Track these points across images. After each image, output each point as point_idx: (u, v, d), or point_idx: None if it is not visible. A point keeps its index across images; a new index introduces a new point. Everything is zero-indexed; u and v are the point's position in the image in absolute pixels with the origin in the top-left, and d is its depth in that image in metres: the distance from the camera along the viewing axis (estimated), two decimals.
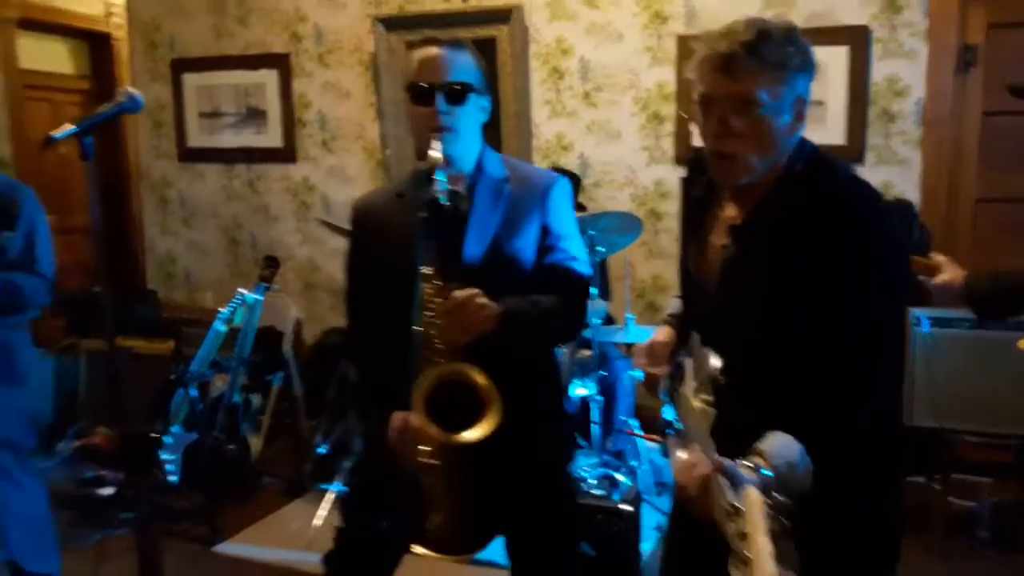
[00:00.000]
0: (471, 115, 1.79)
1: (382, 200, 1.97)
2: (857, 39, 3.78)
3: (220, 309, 3.85)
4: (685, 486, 1.36)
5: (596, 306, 3.33)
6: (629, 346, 3.63)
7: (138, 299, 5.14)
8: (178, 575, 2.90)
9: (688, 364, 1.66)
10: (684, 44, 4.04)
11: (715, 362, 1.47)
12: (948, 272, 1.93)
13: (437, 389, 1.65)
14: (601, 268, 3.72)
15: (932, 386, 3.09)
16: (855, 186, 1.49)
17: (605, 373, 3.50)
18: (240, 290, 3.88)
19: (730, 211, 1.56)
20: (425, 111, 1.75)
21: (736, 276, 1.52)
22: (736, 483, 1.16)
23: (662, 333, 1.78)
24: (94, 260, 5.33)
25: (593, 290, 3.40)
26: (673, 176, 4.15)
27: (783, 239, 1.44)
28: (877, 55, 3.79)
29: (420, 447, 1.67)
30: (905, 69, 3.76)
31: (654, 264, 4.23)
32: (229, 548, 3.38)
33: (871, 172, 3.74)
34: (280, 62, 4.97)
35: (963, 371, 3.09)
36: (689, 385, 1.60)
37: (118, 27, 6.00)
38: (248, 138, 5.14)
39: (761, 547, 1.03)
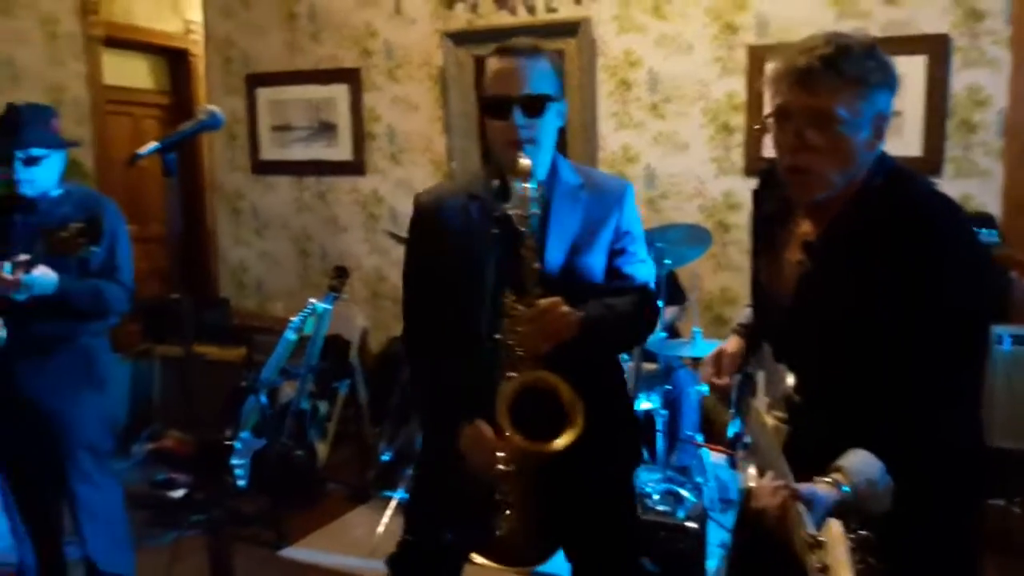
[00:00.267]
0: (550, 124, 1.77)
1: (450, 197, 1.89)
2: (936, 48, 3.67)
3: (290, 318, 3.94)
4: (765, 512, 1.32)
5: (666, 316, 3.29)
6: (695, 360, 3.58)
7: (211, 307, 5.28)
8: None
9: (760, 377, 1.63)
10: (755, 54, 3.98)
11: (789, 380, 1.44)
12: None
13: (519, 396, 1.64)
14: (669, 280, 3.67)
15: (1013, 405, 2.96)
16: (935, 200, 1.45)
17: (670, 387, 3.45)
18: (310, 300, 3.95)
19: (805, 227, 1.53)
20: (502, 124, 1.72)
21: (811, 292, 1.49)
22: (815, 510, 1.13)
23: (731, 343, 1.75)
24: (171, 269, 5.52)
25: (659, 302, 3.37)
26: (743, 187, 4.08)
27: (860, 255, 1.41)
28: (957, 64, 3.67)
29: (497, 454, 1.66)
30: (987, 78, 3.64)
31: (722, 277, 4.16)
32: (295, 553, 3.43)
33: (949, 184, 3.61)
34: (351, 77, 5.06)
35: None
36: (761, 400, 1.57)
37: (195, 44, 6.22)
38: (318, 151, 5.25)
39: None
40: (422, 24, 4.82)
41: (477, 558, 1.79)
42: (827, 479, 1.14)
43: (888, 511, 1.15)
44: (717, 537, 3.17)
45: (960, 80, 3.68)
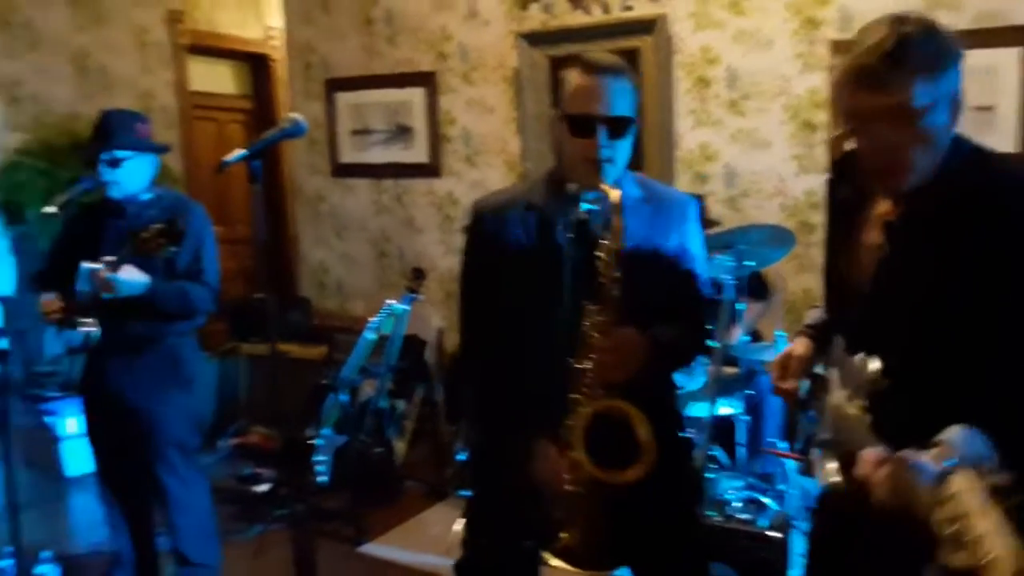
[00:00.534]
0: (628, 145, 1.75)
1: (508, 206, 1.86)
2: None
3: (369, 319, 4.01)
4: (872, 481, 1.30)
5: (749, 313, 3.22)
6: None
7: (293, 307, 5.41)
8: (327, 573, 3.02)
9: (832, 374, 1.60)
10: (838, 49, 3.87)
11: (874, 365, 1.42)
12: None
13: (594, 422, 1.65)
14: (753, 280, 3.58)
15: None
16: (1020, 174, 1.43)
17: (752, 392, 3.38)
18: (388, 301, 4.01)
19: (883, 208, 1.51)
20: (584, 142, 1.70)
21: (892, 274, 1.46)
22: (924, 479, 1.14)
23: (799, 345, 1.71)
24: (256, 270, 5.67)
25: (740, 305, 3.30)
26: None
27: (943, 233, 1.39)
28: None
29: (566, 476, 1.67)
30: None
31: (804, 278, 4.05)
32: (374, 549, 3.48)
33: None
34: (426, 80, 5.12)
35: None
36: (838, 394, 1.54)
37: (275, 49, 6.39)
38: (396, 154, 5.32)
39: (990, 523, 1.00)
40: (496, 26, 4.84)
41: (552, 560, 1.79)
42: (930, 452, 1.13)
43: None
44: (800, 546, 3.09)
45: None
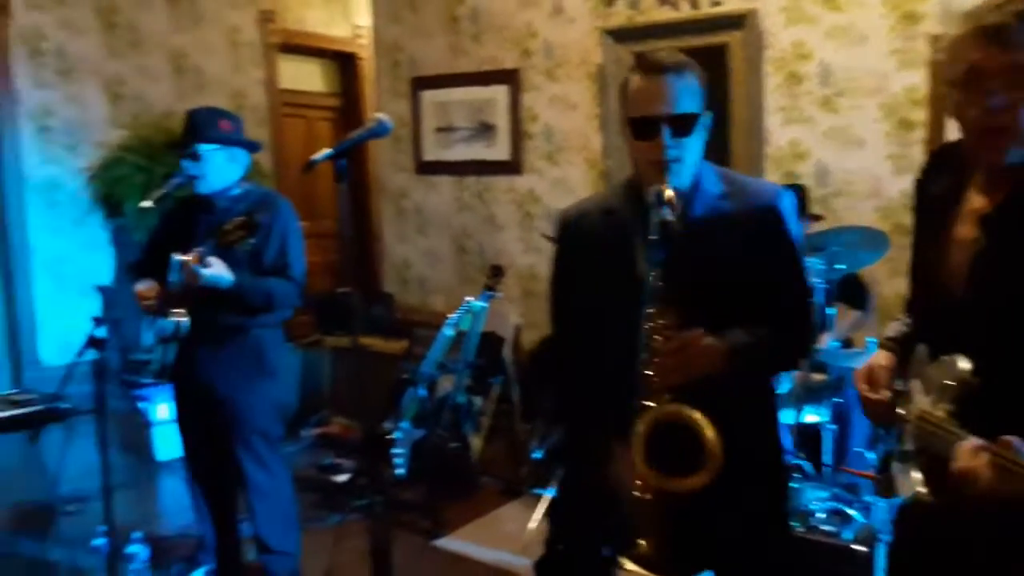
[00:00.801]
0: (697, 141, 1.69)
1: (590, 213, 1.85)
2: None
3: (449, 315, 4.04)
4: (972, 471, 1.25)
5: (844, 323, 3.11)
6: None
7: (376, 301, 5.50)
8: (403, 565, 3.05)
9: (914, 385, 1.52)
10: (938, 45, 3.69)
11: (964, 364, 1.37)
12: None
13: (657, 427, 1.60)
14: (849, 281, 3.45)
15: None
16: None
17: (840, 400, 3.26)
18: (467, 298, 4.04)
19: (977, 203, 1.46)
20: (648, 144, 1.65)
21: (989, 268, 1.42)
22: None
23: (881, 357, 1.65)
24: (341, 265, 5.78)
25: (831, 310, 3.19)
26: None
27: None
28: None
29: (635, 481, 1.63)
30: None
31: (898, 283, 3.87)
32: (449, 543, 3.50)
33: None
34: (510, 77, 5.12)
35: None
36: (922, 402, 1.47)
37: (363, 47, 6.51)
38: (478, 151, 5.35)
39: None
40: (582, 22, 4.80)
41: (628, 564, 1.76)
42: None
43: None
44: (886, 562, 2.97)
45: None
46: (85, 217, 5.20)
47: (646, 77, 1.66)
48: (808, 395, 3.24)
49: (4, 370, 5.04)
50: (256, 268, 2.72)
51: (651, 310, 1.60)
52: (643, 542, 1.66)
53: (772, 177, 4.21)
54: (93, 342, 2.36)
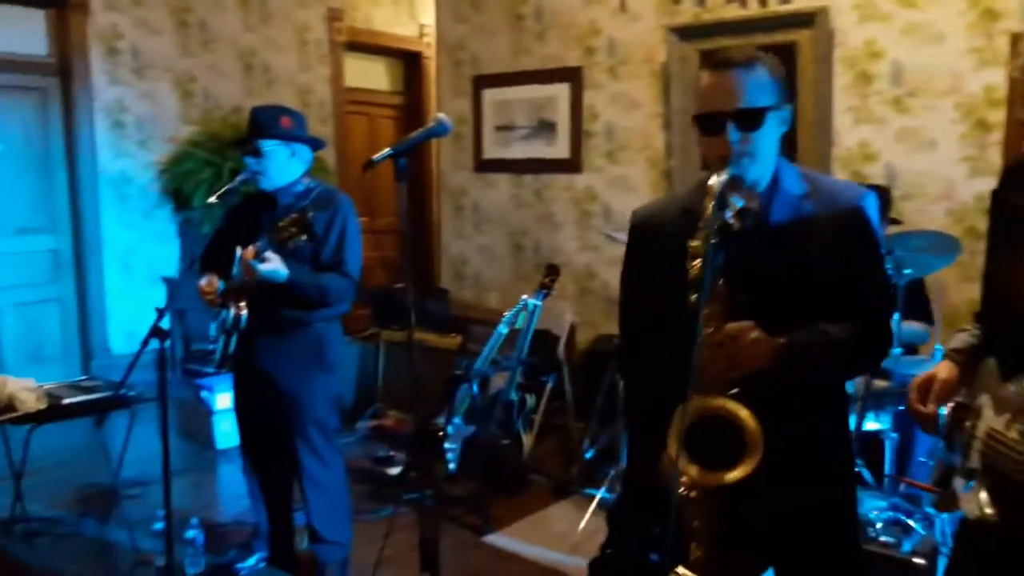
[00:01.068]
0: (769, 135, 1.65)
1: (665, 212, 1.84)
2: None
3: (503, 312, 4.04)
4: None
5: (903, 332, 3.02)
6: None
7: (432, 296, 5.54)
8: (451, 559, 3.06)
9: (984, 400, 1.46)
10: (1019, 43, 3.54)
11: None
12: None
13: (700, 423, 1.57)
14: (913, 289, 3.34)
15: None
16: None
17: (904, 408, 3.15)
18: (522, 296, 4.04)
19: None
20: (714, 140, 1.63)
21: None
22: None
23: (943, 369, 1.60)
24: (399, 262, 5.84)
25: (896, 314, 3.09)
26: None
27: None
28: None
29: (681, 480, 1.60)
30: None
31: (969, 288, 3.74)
32: (498, 540, 3.50)
33: None
34: (573, 75, 5.10)
35: None
36: (993, 420, 1.41)
37: (428, 46, 6.56)
38: (537, 149, 5.34)
39: None
40: (647, 20, 4.75)
41: (681, 571, 1.73)
42: None
43: None
44: None
45: None
46: (154, 210, 5.38)
47: (713, 73, 1.64)
48: (870, 402, 3.15)
49: (75, 358, 5.24)
50: (315, 263, 2.76)
51: (707, 311, 1.58)
52: (695, 546, 1.63)
53: (839, 178, 4.10)
54: (156, 332, 2.42)
